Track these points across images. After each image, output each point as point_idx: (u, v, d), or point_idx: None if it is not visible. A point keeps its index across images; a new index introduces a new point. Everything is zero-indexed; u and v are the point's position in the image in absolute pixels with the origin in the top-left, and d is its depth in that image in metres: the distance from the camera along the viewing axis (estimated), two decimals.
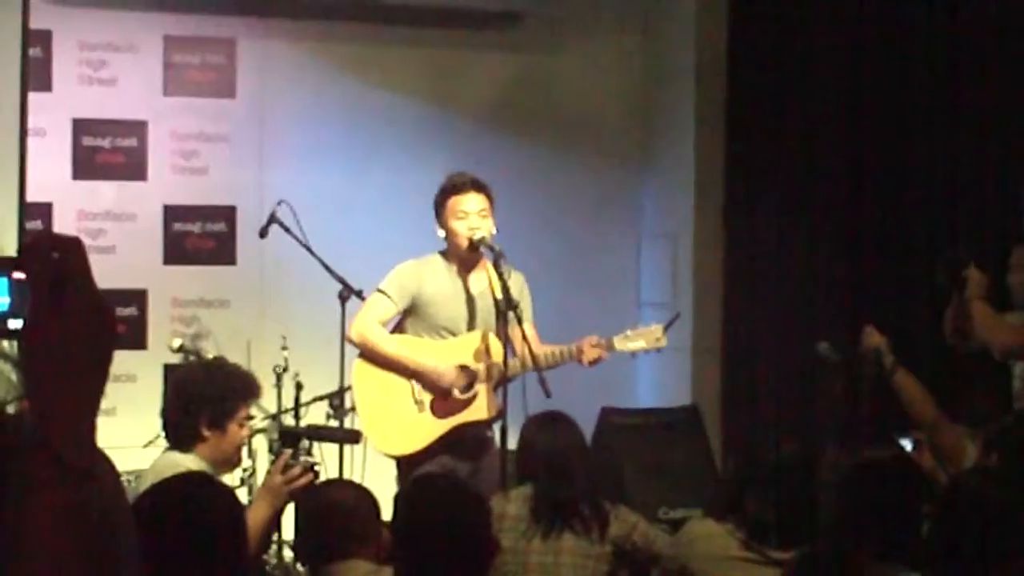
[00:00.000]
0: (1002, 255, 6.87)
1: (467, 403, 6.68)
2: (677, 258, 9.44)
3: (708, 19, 9.35)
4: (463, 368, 6.68)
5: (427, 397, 6.69)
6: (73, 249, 1.51)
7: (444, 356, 6.68)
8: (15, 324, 1.44)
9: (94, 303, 1.50)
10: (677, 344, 9.01)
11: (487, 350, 6.68)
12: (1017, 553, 4.05)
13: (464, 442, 6.68)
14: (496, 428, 6.62)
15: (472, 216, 6.61)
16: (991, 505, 4.16)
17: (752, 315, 9.23)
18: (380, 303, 6.70)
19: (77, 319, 1.46)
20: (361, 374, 6.74)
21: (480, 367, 6.67)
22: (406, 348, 6.69)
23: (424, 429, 6.66)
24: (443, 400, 6.68)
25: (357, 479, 7.08)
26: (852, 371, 7.17)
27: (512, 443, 6.28)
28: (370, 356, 6.69)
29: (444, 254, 6.76)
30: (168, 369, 8.22)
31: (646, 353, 6.87)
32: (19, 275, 1.46)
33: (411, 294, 6.67)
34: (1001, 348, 6.54)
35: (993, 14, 8.89)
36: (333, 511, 4.50)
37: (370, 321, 6.68)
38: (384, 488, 6.66)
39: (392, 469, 6.75)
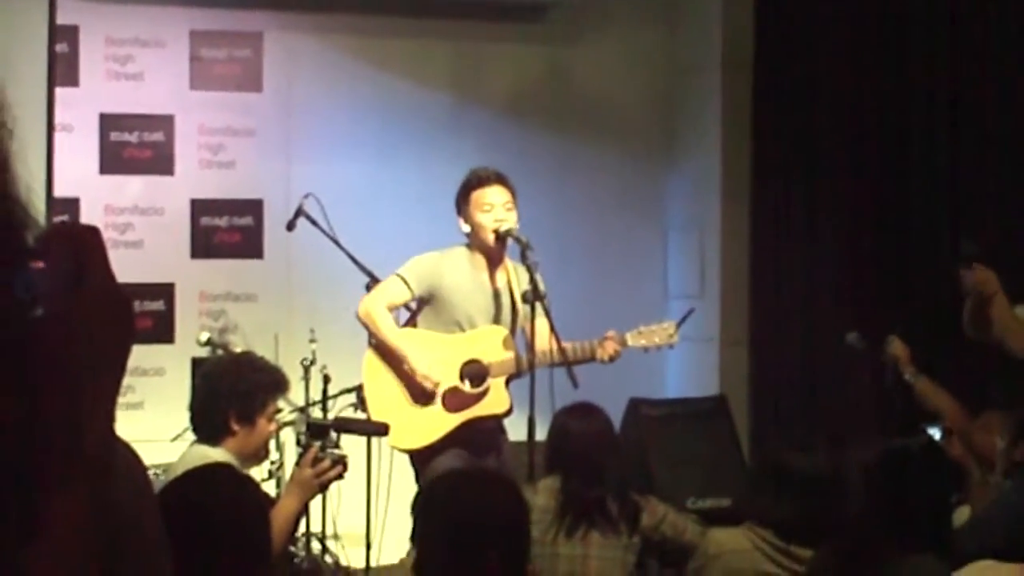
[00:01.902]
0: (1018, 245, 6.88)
1: (479, 397, 6.66)
2: (704, 250, 9.43)
3: (734, 11, 9.33)
4: (473, 363, 6.66)
5: (439, 390, 6.68)
6: (91, 239, 1.51)
7: (458, 348, 6.67)
8: (33, 314, 1.43)
9: (112, 294, 1.49)
10: (705, 335, 9.01)
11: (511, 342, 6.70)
12: None
13: (476, 437, 6.66)
14: (513, 417, 6.64)
15: (497, 208, 6.62)
16: None
17: (779, 306, 9.22)
18: (394, 286, 6.69)
19: (95, 310, 1.46)
20: (372, 366, 6.74)
21: (505, 358, 6.66)
22: (413, 341, 6.68)
23: (435, 423, 6.63)
24: (454, 394, 6.67)
25: (384, 472, 7.11)
26: (880, 362, 7.17)
27: (539, 434, 6.27)
28: (377, 347, 6.69)
29: (468, 247, 6.77)
30: (196, 363, 8.24)
31: (659, 349, 6.88)
32: (37, 265, 1.45)
33: (428, 284, 6.66)
34: (1019, 348, 6.52)
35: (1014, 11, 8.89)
36: None
37: (379, 301, 6.68)
38: (411, 479, 6.68)
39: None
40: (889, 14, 9.21)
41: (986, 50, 8.98)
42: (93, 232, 1.52)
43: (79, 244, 1.50)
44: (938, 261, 8.83)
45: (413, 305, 6.78)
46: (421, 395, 6.66)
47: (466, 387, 6.66)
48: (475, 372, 6.68)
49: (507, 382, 6.70)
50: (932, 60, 9.14)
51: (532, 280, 6.44)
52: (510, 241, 6.62)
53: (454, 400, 6.66)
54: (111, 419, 1.52)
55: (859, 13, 9.22)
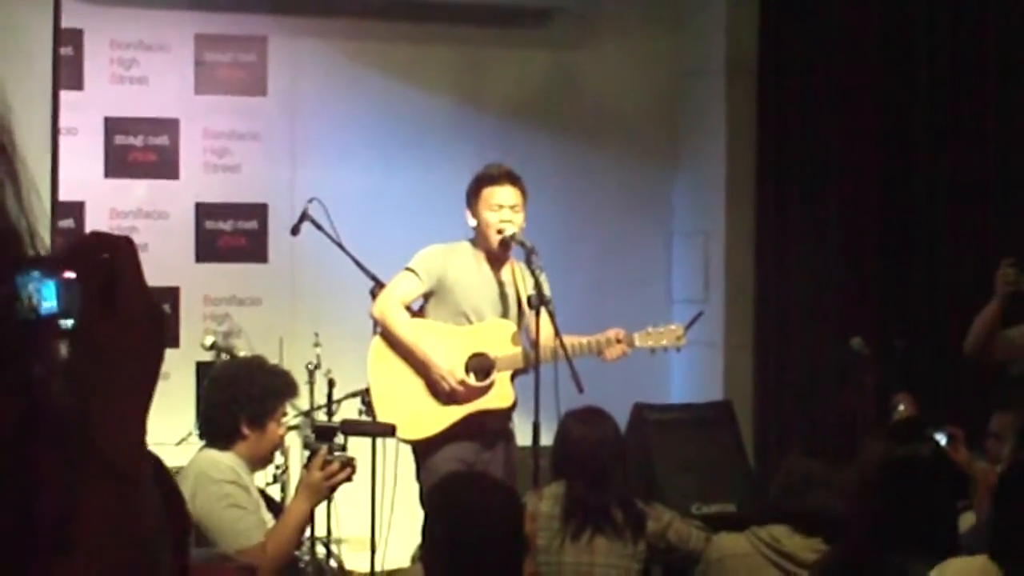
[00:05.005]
0: None
1: (483, 391, 6.67)
2: (709, 255, 9.43)
3: (739, 16, 9.33)
4: (478, 356, 6.67)
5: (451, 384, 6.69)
6: (124, 249, 1.50)
7: (465, 341, 6.67)
8: (66, 325, 1.42)
9: (146, 305, 1.48)
10: (710, 340, 9.01)
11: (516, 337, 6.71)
12: None
13: (483, 433, 6.67)
14: (518, 421, 6.65)
15: (505, 209, 6.64)
16: None
17: (784, 311, 9.22)
18: (407, 281, 6.72)
19: (129, 321, 1.45)
20: (377, 355, 6.75)
21: (511, 352, 6.66)
22: (422, 334, 6.69)
23: (437, 415, 6.64)
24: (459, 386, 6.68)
25: (389, 475, 7.10)
26: (884, 366, 7.18)
27: (544, 440, 6.27)
28: (386, 336, 6.71)
29: (473, 242, 6.78)
30: (200, 367, 8.24)
31: (665, 351, 6.89)
32: (69, 275, 1.44)
33: (437, 276, 6.69)
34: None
35: None
36: None
37: (394, 300, 6.70)
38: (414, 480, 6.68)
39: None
40: (893, 18, 9.21)
41: (991, 54, 8.98)
42: (127, 242, 1.52)
43: (113, 254, 1.49)
44: (943, 266, 8.85)
45: (421, 300, 6.79)
46: (429, 388, 6.67)
47: (471, 380, 6.67)
48: (481, 365, 6.69)
49: (512, 377, 6.70)
50: (936, 64, 9.13)
51: (537, 284, 6.45)
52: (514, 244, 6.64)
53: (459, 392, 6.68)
54: (143, 431, 1.52)
55: (863, 17, 9.22)
